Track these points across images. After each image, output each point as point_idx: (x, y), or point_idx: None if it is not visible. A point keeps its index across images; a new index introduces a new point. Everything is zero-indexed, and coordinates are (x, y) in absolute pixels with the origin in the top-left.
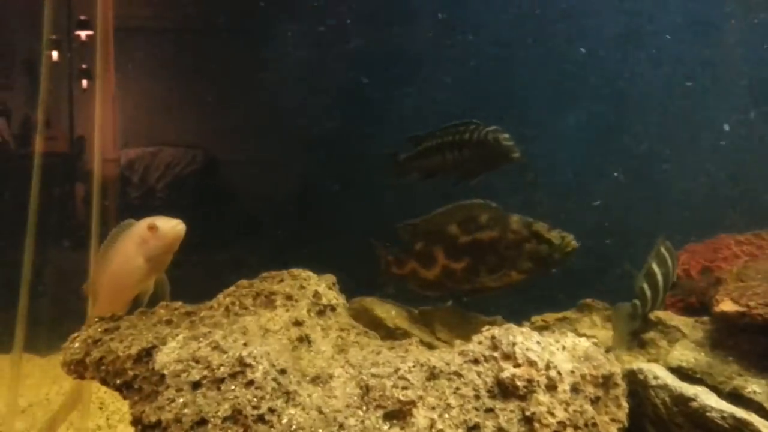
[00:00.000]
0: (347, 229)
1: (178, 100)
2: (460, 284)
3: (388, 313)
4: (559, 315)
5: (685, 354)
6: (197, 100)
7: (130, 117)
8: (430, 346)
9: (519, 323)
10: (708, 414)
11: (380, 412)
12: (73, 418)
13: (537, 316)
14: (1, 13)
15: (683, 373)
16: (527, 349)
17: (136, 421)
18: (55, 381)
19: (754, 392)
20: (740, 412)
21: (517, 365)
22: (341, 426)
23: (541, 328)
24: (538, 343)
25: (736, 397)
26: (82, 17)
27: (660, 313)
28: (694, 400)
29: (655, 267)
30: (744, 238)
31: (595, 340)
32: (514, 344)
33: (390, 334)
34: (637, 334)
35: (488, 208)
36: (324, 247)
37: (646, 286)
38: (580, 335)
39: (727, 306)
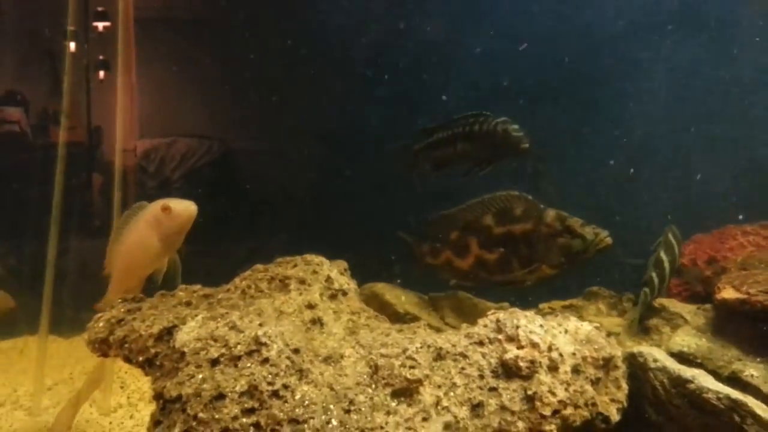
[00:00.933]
0: (360, 218)
1: (194, 91)
2: (493, 275)
3: (398, 298)
4: (566, 302)
5: (686, 339)
6: (212, 91)
7: (146, 108)
8: (438, 330)
9: (526, 310)
10: (704, 395)
11: (389, 390)
12: (96, 397)
13: (544, 304)
14: (19, 6)
15: (684, 358)
16: (530, 332)
17: (158, 396)
18: (78, 361)
19: (752, 376)
20: (735, 394)
21: (520, 347)
22: (351, 402)
23: (547, 315)
24: (541, 326)
25: (734, 380)
26: (99, 9)
27: (664, 301)
28: (691, 381)
29: (663, 255)
30: (751, 228)
31: (597, 325)
32: (517, 327)
33: (400, 319)
34: (641, 321)
35: (524, 200)
36: (337, 235)
37: (654, 275)
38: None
39: (728, 293)
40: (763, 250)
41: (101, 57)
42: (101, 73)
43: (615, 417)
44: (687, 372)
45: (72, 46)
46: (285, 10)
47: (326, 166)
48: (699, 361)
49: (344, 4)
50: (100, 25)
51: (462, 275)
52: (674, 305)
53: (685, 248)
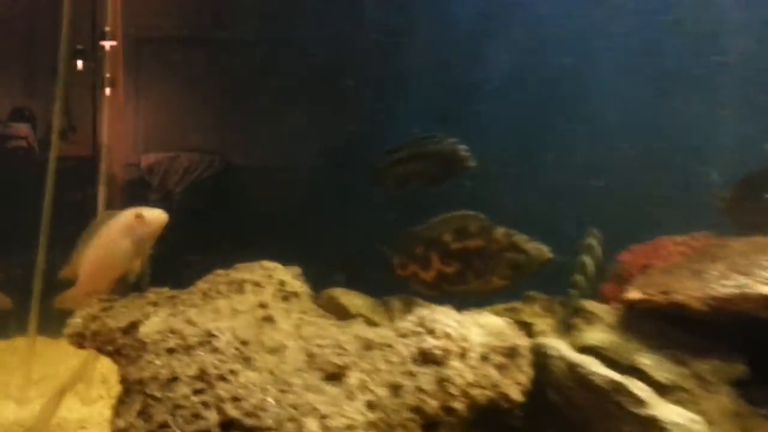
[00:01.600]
0: (355, 232)
1: (196, 107)
2: (453, 286)
3: (352, 301)
4: (508, 305)
5: (598, 335)
6: (214, 107)
7: (150, 123)
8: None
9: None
10: (591, 377)
11: (321, 374)
12: (79, 389)
13: (489, 307)
14: (27, 23)
15: (595, 352)
16: (446, 326)
17: (123, 380)
18: (63, 359)
19: (645, 364)
20: (617, 377)
21: (436, 338)
22: (288, 384)
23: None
24: (457, 321)
25: (632, 368)
26: (106, 28)
27: (585, 302)
28: (582, 366)
29: (585, 258)
30: (681, 239)
31: (508, 319)
32: (435, 321)
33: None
34: (567, 320)
35: (477, 218)
36: (335, 249)
37: (579, 278)
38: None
39: (633, 294)
40: (688, 257)
41: (108, 75)
42: (107, 91)
43: (517, 397)
44: (579, 359)
45: (79, 64)
46: (285, 27)
47: (323, 181)
48: (605, 353)
49: (338, 22)
50: (107, 44)
51: (427, 286)
52: (593, 306)
53: (621, 257)
